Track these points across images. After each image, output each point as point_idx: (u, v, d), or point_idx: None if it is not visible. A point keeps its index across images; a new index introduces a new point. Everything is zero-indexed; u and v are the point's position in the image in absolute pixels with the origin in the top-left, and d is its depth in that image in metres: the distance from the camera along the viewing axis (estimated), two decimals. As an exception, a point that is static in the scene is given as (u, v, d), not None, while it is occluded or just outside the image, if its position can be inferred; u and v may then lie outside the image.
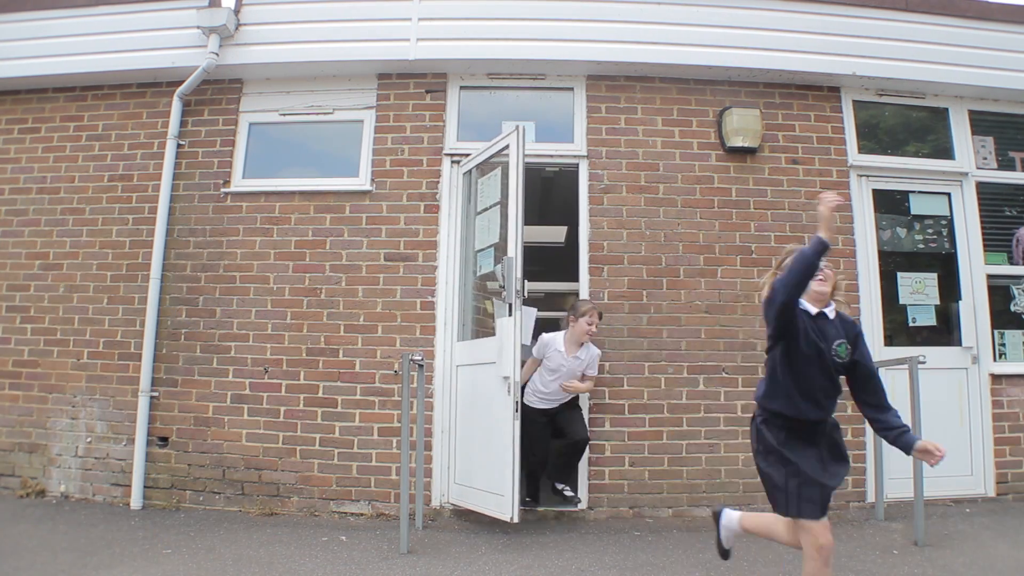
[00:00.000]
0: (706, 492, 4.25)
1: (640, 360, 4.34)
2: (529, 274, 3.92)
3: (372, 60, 4.62)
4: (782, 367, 2.29)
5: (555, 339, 4.12)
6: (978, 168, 4.83)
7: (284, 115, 4.83)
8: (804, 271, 2.17)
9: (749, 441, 2.47)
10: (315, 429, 4.33)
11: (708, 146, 4.63)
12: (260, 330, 4.47)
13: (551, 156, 4.67)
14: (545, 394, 4.14)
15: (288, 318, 4.47)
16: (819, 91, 4.74)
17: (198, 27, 4.55)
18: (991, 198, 4.84)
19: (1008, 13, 4.80)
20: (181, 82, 4.63)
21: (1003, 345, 4.68)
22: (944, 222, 4.79)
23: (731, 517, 2.71)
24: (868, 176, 4.73)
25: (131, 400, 4.44)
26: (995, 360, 4.62)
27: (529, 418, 4.06)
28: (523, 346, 3.84)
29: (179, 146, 4.71)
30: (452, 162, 4.62)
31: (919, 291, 4.68)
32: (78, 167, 4.82)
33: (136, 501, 4.28)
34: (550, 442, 4.21)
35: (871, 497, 4.24)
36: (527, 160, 3.98)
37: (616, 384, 4.29)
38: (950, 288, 4.70)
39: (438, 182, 4.58)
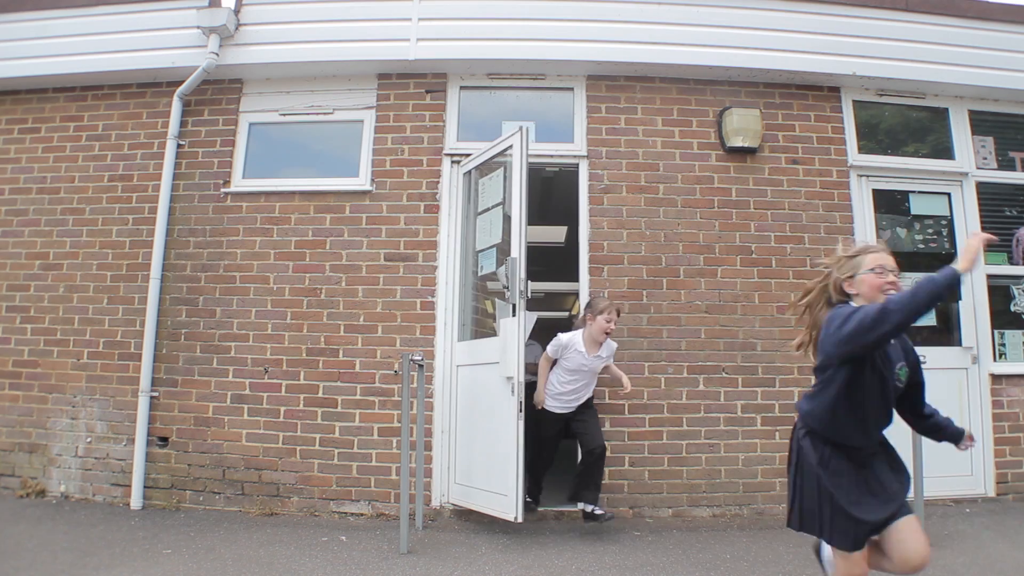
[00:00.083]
0: (706, 492, 4.25)
1: (640, 360, 4.34)
2: (530, 274, 3.91)
3: (372, 60, 4.62)
4: (841, 393, 2.06)
5: (574, 339, 3.96)
6: (978, 168, 4.83)
7: (284, 115, 4.83)
8: (931, 301, 1.88)
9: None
10: (315, 429, 4.34)
11: (708, 146, 4.63)
12: (260, 330, 4.47)
13: (551, 156, 4.67)
14: (561, 394, 3.99)
15: (288, 318, 4.47)
16: (819, 91, 4.74)
17: (198, 27, 4.55)
18: (991, 198, 4.84)
19: (1008, 13, 4.80)
20: (181, 82, 4.63)
21: (1003, 345, 4.68)
22: (944, 222, 4.79)
23: (828, 549, 2.35)
24: (868, 176, 4.73)
25: (131, 400, 4.44)
26: (995, 360, 4.62)
27: (542, 421, 4.02)
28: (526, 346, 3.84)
29: (179, 146, 4.71)
30: (452, 162, 4.62)
31: (919, 291, 4.67)
32: (78, 167, 4.82)
33: (136, 501, 4.28)
34: (559, 445, 4.15)
35: (871, 497, 4.24)
36: (528, 160, 3.98)
37: (616, 384, 4.28)
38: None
39: (438, 182, 4.58)
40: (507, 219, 4.04)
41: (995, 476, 4.42)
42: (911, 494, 3.53)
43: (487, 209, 4.33)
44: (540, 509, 4.22)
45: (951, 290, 1.89)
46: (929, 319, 4.65)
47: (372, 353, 4.38)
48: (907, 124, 4.97)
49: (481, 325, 4.61)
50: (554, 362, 4.06)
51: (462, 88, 4.77)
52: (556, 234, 7.46)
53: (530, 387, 4.06)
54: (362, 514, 4.22)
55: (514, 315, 3.74)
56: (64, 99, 4.94)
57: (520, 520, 3.61)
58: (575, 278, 4.60)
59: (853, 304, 2.12)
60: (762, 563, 3.31)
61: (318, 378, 4.39)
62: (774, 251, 4.52)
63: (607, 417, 4.27)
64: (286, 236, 4.58)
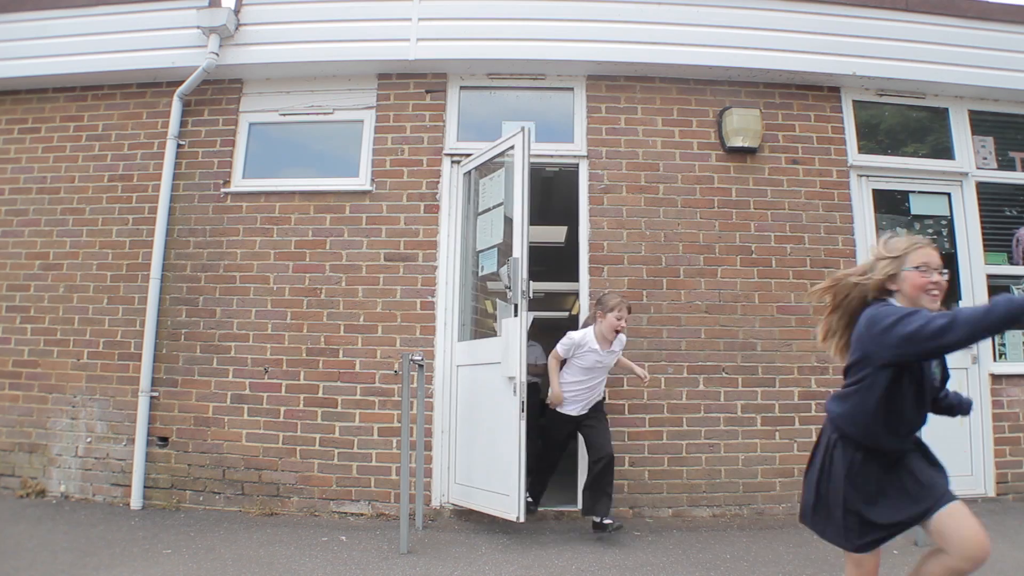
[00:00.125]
0: (706, 492, 4.25)
1: (640, 360, 4.32)
2: (531, 274, 3.91)
3: (372, 60, 4.62)
4: (880, 397, 1.92)
5: (586, 337, 3.85)
6: (978, 168, 4.83)
7: (284, 115, 4.83)
8: (1006, 323, 1.68)
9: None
10: (315, 429, 4.33)
11: (708, 146, 4.63)
12: (260, 330, 4.47)
13: (551, 156, 4.67)
14: (576, 395, 3.88)
15: (288, 318, 4.47)
16: (819, 91, 4.74)
17: (198, 27, 4.55)
18: (991, 198, 4.84)
19: (1008, 13, 4.80)
20: (181, 82, 4.63)
21: (1003, 345, 4.68)
22: (944, 222, 4.79)
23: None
24: (868, 176, 4.73)
25: (131, 400, 4.44)
26: (995, 360, 4.62)
27: (553, 423, 3.95)
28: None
29: (179, 146, 4.71)
30: (452, 162, 4.62)
31: (919, 291, 4.67)
32: (78, 167, 4.82)
33: (136, 501, 4.28)
34: (566, 448, 4.05)
35: (871, 497, 4.24)
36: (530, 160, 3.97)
37: (616, 384, 4.28)
38: (950, 288, 4.68)
39: (438, 182, 4.58)
40: (508, 219, 4.04)
41: (995, 476, 4.42)
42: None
43: (488, 209, 4.33)
44: (540, 509, 4.21)
45: None
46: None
47: (372, 353, 4.38)
48: (907, 124, 4.97)
49: (481, 325, 4.61)
50: (563, 361, 3.95)
51: (462, 88, 4.77)
52: (556, 234, 7.46)
53: (531, 387, 4.05)
54: (362, 514, 4.22)
55: (516, 315, 3.74)
56: (64, 99, 4.94)
57: (522, 520, 3.62)
58: (575, 278, 4.60)
59: (894, 302, 2.00)
60: (762, 563, 3.31)
61: (318, 378, 4.39)
62: (774, 251, 4.52)
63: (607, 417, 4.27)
64: (286, 236, 4.58)
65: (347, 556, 3.41)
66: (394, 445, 4.23)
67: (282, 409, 4.38)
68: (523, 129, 3.94)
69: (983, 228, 4.74)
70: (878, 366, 1.90)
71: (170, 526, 3.89)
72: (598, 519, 3.71)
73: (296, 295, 4.49)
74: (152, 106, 4.83)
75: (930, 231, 4.79)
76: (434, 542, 3.69)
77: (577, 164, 4.65)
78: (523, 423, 3.64)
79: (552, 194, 6.18)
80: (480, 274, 4.44)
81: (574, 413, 3.91)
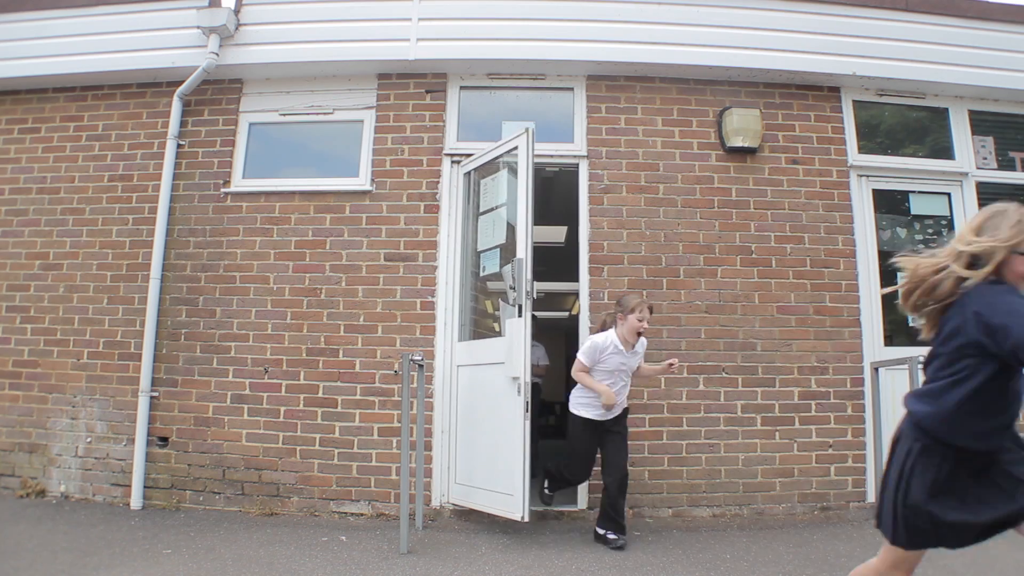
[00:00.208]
0: (706, 492, 4.25)
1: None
2: (533, 275, 3.90)
3: (372, 60, 4.62)
4: (983, 391, 1.69)
5: (609, 340, 3.66)
6: (978, 168, 4.83)
7: (284, 115, 4.83)
8: None
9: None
10: (315, 429, 4.34)
11: (708, 146, 4.63)
12: (260, 330, 4.47)
13: (551, 156, 4.68)
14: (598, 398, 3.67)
15: (288, 318, 4.47)
16: (819, 91, 4.74)
17: (198, 27, 4.55)
18: (991, 198, 4.81)
19: (1008, 13, 4.80)
20: (181, 82, 4.63)
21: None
22: (944, 222, 4.79)
23: None
24: (868, 176, 4.73)
25: (131, 400, 4.44)
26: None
27: (578, 431, 3.74)
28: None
29: (179, 146, 4.71)
30: (452, 162, 4.62)
31: (919, 291, 4.67)
32: (78, 167, 4.82)
33: (136, 501, 4.28)
34: (594, 457, 3.78)
35: (871, 497, 4.24)
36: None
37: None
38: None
39: (438, 182, 4.58)
40: (513, 220, 4.03)
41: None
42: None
43: (490, 209, 4.33)
44: (539, 509, 4.20)
45: None
46: (929, 319, 4.65)
47: (372, 353, 4.38)
48: (907, 124, 4.97)
49: (480, 325, 4.61)
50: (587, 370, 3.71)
51: (462, 88, 4.77)
52: (556, 234, 7.47)
53: (532, 388, 4.05)
54: (362, 514, 4.22)
55: (520, 315, 3.74)
56: (64, 99, 4.94)
57: (526, 520, 3.62)
58: (575, 278, 4.61)
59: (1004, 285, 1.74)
60: (762, 563, 3.31)
61: (318, 378, 4.39)
62: (774, 251, 4.52)
63: (607, 417, 4.28)
64: (286, 236, 4.58)
65: (347, 556, 3.41)
66: (394, 445, 4.23)
67: (282, 409, 4.38)
68: (527, 130, 3.94)
69: (983, 228, 4.73)
70: (980, 357, 1.67)
71: (170, 526, 3.89)
72: (615, 537, 3.58)
73: (296, 295, 4.49)
74: (152, 106, 4.83)
75: (930, 231, 4.79)
76: (434, 542, 3.69)
77: (577, 164, 4.65)
78: (528, 423, 3.64)
79: (552, 194, 6.18)
80: (482, 274, 4.44)
81: (599, 418, 3.70)
